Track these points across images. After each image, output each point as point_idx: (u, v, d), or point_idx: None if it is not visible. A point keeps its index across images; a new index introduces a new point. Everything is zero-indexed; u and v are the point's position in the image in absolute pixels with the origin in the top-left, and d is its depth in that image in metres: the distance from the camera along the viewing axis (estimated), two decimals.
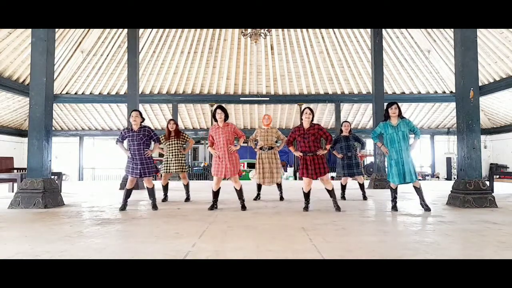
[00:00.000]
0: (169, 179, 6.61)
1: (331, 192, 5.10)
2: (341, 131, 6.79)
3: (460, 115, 5.74)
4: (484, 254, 2.68)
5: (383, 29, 11.34)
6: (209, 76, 16.50)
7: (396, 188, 5.13)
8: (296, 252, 2.74)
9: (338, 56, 15.92)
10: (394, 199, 5.13)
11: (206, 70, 16.35)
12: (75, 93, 16.48)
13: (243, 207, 5.20)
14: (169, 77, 16.40)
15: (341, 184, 6.84)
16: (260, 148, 6.31)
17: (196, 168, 20.00)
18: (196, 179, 18.54)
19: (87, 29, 14.28)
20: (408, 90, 16.53)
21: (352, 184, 9.11)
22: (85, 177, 18.91)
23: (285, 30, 15.36)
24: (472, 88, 5.62)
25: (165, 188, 6.52)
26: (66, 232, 3.51)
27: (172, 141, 6.37)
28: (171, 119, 6.59)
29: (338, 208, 5.04)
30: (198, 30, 15.13)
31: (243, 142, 5.47)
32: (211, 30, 15.17)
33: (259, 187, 6.58)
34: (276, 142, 6.58)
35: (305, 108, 5.11)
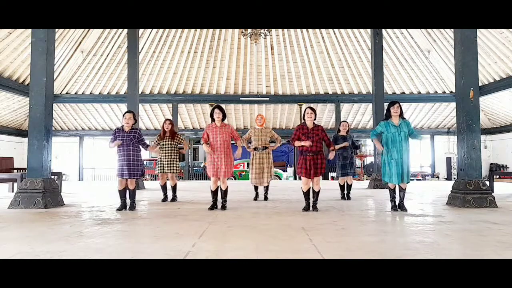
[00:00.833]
0: (167, 179, 6.59)
1: (316, 194, 5.11)
2: (339, 130, 6.78)
3: (460, 115, 5.74)
4: (484, 254, 2.68)
5: (383, 29, 11.33)
6: (209, 76, 16.50)
7: (395, 188, 5.13)
8: (296, 252, 2.74)
9: (338, 56, 15.92)
10: (393, 199, 5.13)
11: (206, 70, 16.34)
12: (75, 93, 16.48)
13: (223, 207, 5.23)
14: (169, 77, 16.40)
15: (340, 185, 6.83)
16: (255, 149, 6.29)
17: (196, 168, 20.01)
18: (196, 179, 18.55)
19: (87, 29, 14.27)
20: (408, 90, 16.53)
21: (354, 185, 9.11)
22: (85, 177, 18.90)
23: (285, 30, 15.36)
24: (472, 88, 5.62)
25: (164, 188, 6.50)
26: (66, 232, 3.51)
27: (166, 141, 6.35)
28: (167, 119, 6.58)
29: (315, 208, 5.08)
30: (198, 30, 15.12)
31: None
32: (211, 30, 15.16)
33: (255, 187, 6.57)
34: (271, 142, 6.54)
35: (306, 108, 5.12)
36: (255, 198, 6.56)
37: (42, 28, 5.62)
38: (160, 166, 6.31)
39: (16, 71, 13.23)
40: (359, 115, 18.04)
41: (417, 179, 17.55)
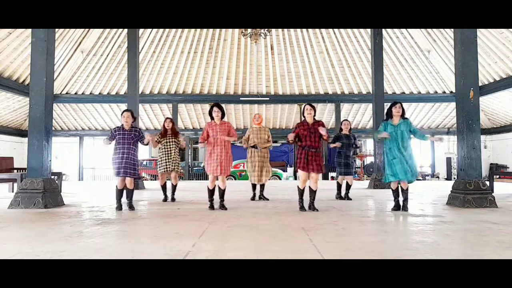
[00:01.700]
0: (167, 178, 6.56)
1: (313, 192, 5.10)
2: (341, 129, 6.78)
3: (460, 115, 5.74)
4: (484, 254, 2.68)
5: (383, 29, 11.33)
6: (209, 76, 16.50)
7: (397, 188, 5.12)
8: (296, 252, 2.74)
9: (338, 56, 15.92)
10: (395, 198, 5.12)
11: (206, 70, 16.35)
12: (75, 93, 16.49)
13: (223, 207, 5.22)
14: (169, 77, 16.40)
15: (338, 184, 6.80)
16: (253, 147, 6.31)
17: (196, 168, 20.00)
18: (196, 179, 18.55)
19: (87, 29, 14.27)
20: (408, 90, 16.53)
21: (354, 185, 9.10)
22: (85, 177, 18.90)
23: (285, 30, 15.36)
24: (472, 88, 5.62)
25: (164, 188, 6.48)
26: (66, 232, 3.51)
27: (168, 139, 6.33)
28: (168, 118, 6.57)
29: (315, 209, 5.07)
30: (198, 30, 15.12)
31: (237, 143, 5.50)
32: (211, 30, 15.16)
33: (253, 186, 6.56)
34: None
35: (305, 105, 5.12)
36: (253, 198, 6.54)
37: (42, 28, 5.62)
38: (163, 165, 6.27)
39: (16, 71, 13.23)
40: (359, 115, 18.04)
41: (417, 179, 17.54)
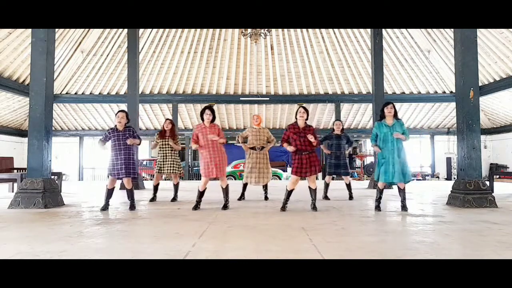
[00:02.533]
0: (168, 179, 6.58)
1: (313, 191, 5.11)
2: (333, 129, 6.77)
3: (460, 115, 5.74)
4: (484, 254, 2.68)
5: (383, 29, 11.33)
6: (209, 76, 16.50)
7: (383, 189, 5.13)
8: (296, 252, 2.74)
9: (338, 56, 15.92)
10: (378, 199, 5.13)
11: (206, 70, 16.34)
12: (75, 93, 16.48)
13: (225, 207, 5.23)
14: (169, 77, 16.40)
15: (325, 183, 6.79)
16: (252, 148, 6.30)
17: (196, 168, 19.99)
18: (196, 179, 18.54)
19: (87, 29, 14.27)
20: (408, 90, 16.52)
21: (352, 184, 9.08)
22: (85, 177, 18.90)
23: (285, 30, 15.35)
24: (472, 88, 5.62)
25: (156, 188, 6.47)
26: (66, 232, 3.51)
27: (166, 141, 6.33)
28: (167, 119, 6.57)
29: (315, 208, 5.07)
30: (198, 30, 15.12)
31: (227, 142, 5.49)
32: (211, 30, 15.16)
33: (244, 186, 6.55)
34: (267, 142, 6.54)
35: (299, 107, 5.12)
36: (240, 198, 6.51)
37: (42, 28, 5.62)
38: (160, 166, 6.29)
39: (16, 71, 13.23)
40: (359, 115, 18.04)
41: (417, 179, 17.56)
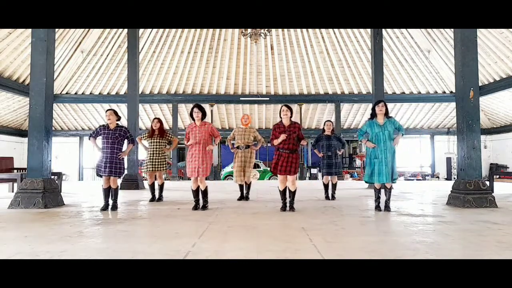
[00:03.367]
0: (167, 178, 6.58)
1: (291, 193, 5.09)
2: (324, 130, 6.76)
3: (460, 115, 5.74)
4: (484, 254, 2.68)
5: (383, 29, 11.33)
6: (209, 76, 16.51)
7: (380, 188, 5.11)
8: (296, 252, 2.74)
9: (338, 56, 15.92)
10: (377, 199, 5.11)
11: (206, 70, 16.35)
12: (75, 93, 16.49)
13: (204, 207, 5.21)
14: (169, 77, 16.41)
15: (324, 184, 6.80)
16: (237, 147, 6.31)
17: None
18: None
19: (87, 29, 14.28)
20: (408, 90, 16.53)
21: (352, 184, 9.11)
22: (85, 177, 18.91)
23: (285, 30, 15.36)
24: (472, 88, 5.62)
25: (152, 187, 6.47)
26: (66, 232, 3.51)
27: (155, 139, 6.35)
28: (156, 118, 6.58)
29: (292, 209, 5.06)
30: (198, 30, 15.13)
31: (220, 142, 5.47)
32: (211, 30, 15.17)
33: (240, 186, 6.56)
34: (254, 142, 6.53)
35: (282, 106, 5.09)
36: (240, 198, 6.52)
37: (42, 28, 5.62)
38: (149, 165, 6.31)
39: (16, 71, 13.23)
40: (359, 115, 18.04)
41: (417, 179, 17.56)
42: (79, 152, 18.82)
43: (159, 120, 6.50)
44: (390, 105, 16.95)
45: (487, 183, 6.42)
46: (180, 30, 15.16)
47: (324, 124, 6.80)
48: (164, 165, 6.37)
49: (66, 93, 16.35)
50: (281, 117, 5.08)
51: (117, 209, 5.20)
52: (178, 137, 16.00)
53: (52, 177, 6.11)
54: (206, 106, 17.41)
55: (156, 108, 17.59)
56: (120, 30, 14.67)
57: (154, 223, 4.17)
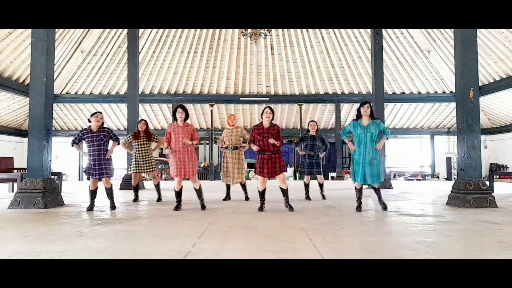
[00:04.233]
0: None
1: (284, 191, 5.11)
2: (308, 130, 6.75)
3: (460, 115, 5.74)
4: (484, 254, 2.68)
5: (383, 29, 11.33)
6: (209, 76, 16.51)
7: (361, 188, 5.12)
8: (296, 252, 2.74)
9: (338, 56, 15.92)
10: (358, 199, 5.11)
11: (206, 70, 16.35)
12: (75, 93, 16.49)
13: (203, 207, 5.22)
14: (169, 77, 16.40)
15: (304, 183, 6.80)
16: (225, 148, 6.31)
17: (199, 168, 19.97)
18: None
19: (87, 29, 14.28)
20: (408, 90, 16.53)
21: (352, 184, 9.05)
22: (85, 177, 18.88)
23: (285, 30, 15.36)
24: (472, 88, 5.62)
25: (136, 188, 6.48)
26: (66, 232, 3.51)
27: (140, 141, 6.36)
28: (142, 119, 6.60)
29: (290, 208, 5.05)
30: (198, 30, 15.13)
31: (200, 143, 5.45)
32: (211, 30, 15.17)
33: (228, 187, 6.56)
34: (243, 142, 6.51)
35: (265, 107, 5.07)
36: (225, 199, 6.51)
37: (42, 28, 5.62)
38: (135, 166, 6.31)
39: (16, 71, 13.23)
40: None
41: (417, 179, 17.56)
42: (79, 152, 18.81)
43: (145, 122, 6.52)
44: (390, 105, 17.07)
45: (487, 183, 6.42)
46: (180, 30, 15.16)
47: (308, 125, 6.79)
48: (151, 167, 6.38)
49: (66, 93, 16.35)
50: (262, 118, 5.06)
51: (116, 209, 5.22)
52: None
53: (52, 177, 6.12)
54: (206, 106, 17.41)
55: (156, 108, 17.59)
56: (120, 30, 14.67)
57: (154, 223, 4.17)
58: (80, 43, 14.78)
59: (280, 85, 16.75)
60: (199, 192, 5.27)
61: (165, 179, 16.82)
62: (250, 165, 17.09)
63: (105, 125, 5.43)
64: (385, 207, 5.01)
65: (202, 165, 18.82)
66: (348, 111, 17.75)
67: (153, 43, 15.52)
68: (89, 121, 5.25)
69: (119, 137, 5.49)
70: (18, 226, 3.99)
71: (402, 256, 2.62)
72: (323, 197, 6.66)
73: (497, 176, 13.01)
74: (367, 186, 8.20)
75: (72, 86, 16.29)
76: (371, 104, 5.10)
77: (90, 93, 16.52)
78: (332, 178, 16.98)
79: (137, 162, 6.33)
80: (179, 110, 5.10)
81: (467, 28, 5.60)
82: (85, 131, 5.22)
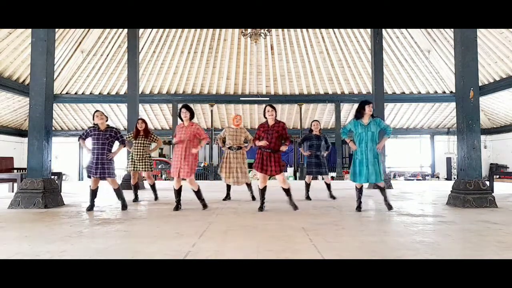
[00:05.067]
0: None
1: (286, 191, 5.09)
2: (311, 130, 6.74)
3: (460, 115, 5.74)
4: (484, 254, 2.68)
5: (383, 29, 11.33)
6: (209, 76, 16.51)
7: (361, 188, 5.10)
8: (296, 252, 2.74)
9: (338, 56, 15.92)
10: (358, 199, 5.09)
11: (206, 70, 16.35)
12: (75, 93, 16.49)
13: (204, 206, 5.22)
14: (169, 77, 16.40)
15: (306, 183, 6.78)
16: (229, 148, 6.29)
17: (196, 168, 19.97)
18: (196, 179, 18.54)
19: (87, 29, 14.27)
20: (408, 90, 16.53)
21: (352, 184, 9.04)
22: (85, 177, 18.89)
23: (285, 30, 15.36)
24: (472, 88, 5.62)
25: (135, 187, 6.48)
26: (66, 232, 3.51)
27: (139, 140, 6.38)
28: (140, 118, 6.61)
29: (295, 207, 5.04)
30: (198, 30, 15.13)
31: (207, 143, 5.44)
32: (211, 30, 15.17)
33: (228, 187, 6.55)
34: (245, 142, 6.52)
35: (266, 106, 5.07)
36: (225, 199, 6.50)
37: (42, 28, 5.62)
38: (132, 164, 6.33)
39: (16, 71, 13.23)
40: None
41: (417, 179, 17.56)
42: (79, 152, 18.82)
43: (144, 121, 6.54)
44: (390, 105, 17.07)
45: (487, 183, 6.42)
46: (180, 30, 15.16)
47: (311, 124, 6.77)
48: (149, 166, 6.38)
49: (66, 93, 16.35)
50: (265, 117, 5.06)
51: (127, 208, 5.20)
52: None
53: (52, 177, 6.11)
54: (206, 106, 17.40)
55: (156, 108, 17.59)
56: (120, 30, 14.67)
57: (154, 223, 4.17)
58: (80, 43, 14.78)
59: (280, 85, 16.75)
60: (198, 193, 5.25)
61: (165, 179, 16.82)
62: (250, 165, 17.11)
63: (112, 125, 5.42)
64: (390, 207, 4.99)
65: (202, 165, 18.82)
66: (348, 111, 17.75)
67: (153, 43, 15.52)
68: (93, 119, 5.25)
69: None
70: (18, 226, 3.99)
71: (402, 256, 2.62)
72: (333, 197, 6.59)
73: (497, 176, 13.01)
74: (367, 186, 8.18)
75: (72, 86, 16.29)
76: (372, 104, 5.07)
77: (90, 93, 16.52)
78: (332, 178, 16.97)
79: (133, 161, 6.35)
80: (183, 110, 5.12)
81: (467, 28, 5.60)
82: (93, 128, 5.21)
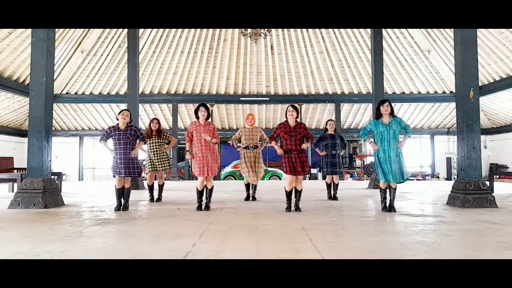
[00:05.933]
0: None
1: (299, 192, 5.07)
2: (326, 129, 6.74)
3: (460, 115, 5.74)
4: (484, 254, 2.68)
5: (383, 29, 11.33)
6: (209, 76, 16.51)
7: (386, 188, 5.06)
8: (296, 252, 2.74)
9: (338, 56, 15.92)
10: (383, 200, 5.05)
11: (206, 70, 16.35)
12: (75, 93, 16.49)
13: (207, 207, 5.19)
14: (169, 77, 16.41)
15: (326, 183, 6.78)
16: (246, 148, 6.31)
17: None
18: (196, 179, 18.53)
19: (87, 29, 14.27)
20: (408, 90, 16.53)
21: (352, 184, 9.08)
22: (85, 177, 18.90)
23: (285, 30, 15.36)
24: (472, 88, 5.62)
25: (151, 188, 6.48)
26: (66, 232, 3.51)
27: (153, 140, 6.38)
28: (154, 118, 6.61)
29: (299, 210, 5.02)
30: (198, 30, 15.13)
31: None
32: (211, 30, 15.17)
33: (247, 186, 6.57)
34: (259, 141, 6.56)
35: (288, 106, 5.05)
36: (247, 199, 6.53)
37: (42, 28, 5.62)
38: (151, 164, 6.33)
39: (16, 71, 13.23)
40: (359, 115, 18.04)
41: (417, 179, 17.55)
42: (79, 152, 18.82)
43: (158, 121, 6.54)
44: None
45: (487, 183, 6.42)
46: (180, 30, 15.16)
47: (327, 124, 6.78)
48: (166, 165, 6.39)
49: (66, 93, 16.35)
50: (286, 117, 5.04)
51: (128, 209, 5.20)
52: (178, 137, 16.02)
53: (52, 177, 6.11)
54: None
55: (156, 108, 17.59)
56: (120, 30, 14.66)
57: (154, 223, 4.17)
58: (80, 43, 14.78)
59: (280, 85, 16.75)
60: (210, 192, 5.27)
61: (165, 179, 16.81)
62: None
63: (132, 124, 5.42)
64: (394, 210, 4.95)
65: None
66: (348, 111, 17.75)
67: (153, 43, 15.52)
68: (117, 119, 5.25)
69: None
70: (18, 226, 3.99)
71: (402, 256, 2.62)
72: (335, 198, 6.59)
73: (497, 176, 13.00)
74: (366, 186, 8.16)
75: (72, 86, 16.29)
76: (390, 102, 5.02)
77: (90, 93, 16.52)
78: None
79: (151, 161, 6.34)
80: (202, 108, 5.13)
81: (467, 28, 5.60)
82: (113, 128, 5.22)
